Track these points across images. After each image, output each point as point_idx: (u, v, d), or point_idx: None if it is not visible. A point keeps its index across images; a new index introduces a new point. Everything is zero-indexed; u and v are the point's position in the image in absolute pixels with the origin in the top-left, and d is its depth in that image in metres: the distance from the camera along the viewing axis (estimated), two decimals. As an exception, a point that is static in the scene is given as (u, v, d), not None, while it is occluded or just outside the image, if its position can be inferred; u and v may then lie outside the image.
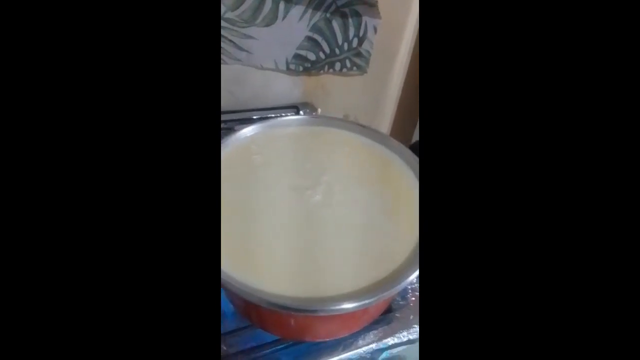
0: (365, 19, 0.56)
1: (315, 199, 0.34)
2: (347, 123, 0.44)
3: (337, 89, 0.64)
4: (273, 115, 0.60)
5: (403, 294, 0.40)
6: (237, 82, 0.59)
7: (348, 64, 0.61)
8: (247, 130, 0.41)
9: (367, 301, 0.26)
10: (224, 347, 0.34)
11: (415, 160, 0.38)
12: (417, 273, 0.28)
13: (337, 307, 0.25)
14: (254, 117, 0.59)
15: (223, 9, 0.50)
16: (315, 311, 0.25)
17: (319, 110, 0.64)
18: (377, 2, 0.54)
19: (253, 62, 0.57)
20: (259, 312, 0.30)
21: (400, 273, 0.28)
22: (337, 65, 0.61)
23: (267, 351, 0.35)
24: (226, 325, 0.36)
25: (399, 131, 0.74)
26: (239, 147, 0.39)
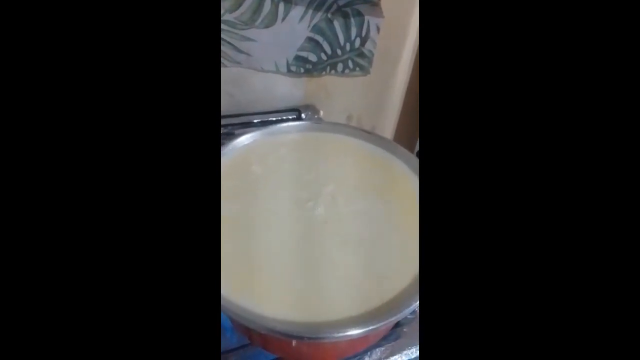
0: (367, 18, 0.54)
1: (318, 212, 0.33)
2: (350, 129, 0.43)
3: (340, 91, 0.63)
4: (274, 119, 0.58)
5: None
6: (237, 85, 0.57)
7: (350, 64, 0.59)
8: (246, 138, 0.40)
9: (373, 327, 0.24)
10: (224, 365, 0.33)
11: (422, 168, 0.37)
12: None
13: (342, 334, 0.24)
14: (255, 121, 0.58)
15: (222, 10, 0.48)
16: (318, 338, 0.24)
17: (321, 112, 0.62)
18: (379, 0, 0.52)
19: (253, 65, 0.55)
20: (259, 334, 0.29)
21: (408, 293, 0.27)
22: (340, 67, 0.59)
23: (269, 370, 0.33)
24: (226, 342, 0.35)
25: (403, 133, 0.72)
26: (238, 156, 0.38)
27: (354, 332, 0.24)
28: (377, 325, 0.24)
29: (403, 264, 0.29)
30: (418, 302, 0.26)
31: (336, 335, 0.24)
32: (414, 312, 0.38)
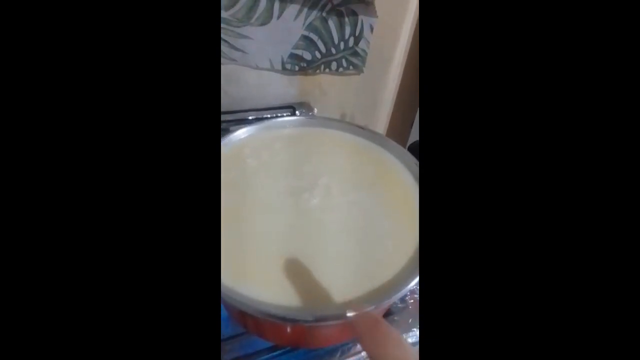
0: (361, 17, 0.55)
1: (313, 202, 0.33)
2: (344, 124, 0.43)
3: (334, 89, 0.64)
4: (269, 116, 0.59)
5: (402, 297, 0.40)
6: (232, 82, 0.58)
7: (344, 63, 0.60)
8: (241, 132, 0.41)
9: (366, 310, 0.25)
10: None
11: (413, 161, 0.38)
12: (417, 280, 0.27)
13: (336, 317, 0.24)
14: (250, 118, 0.58)
15: (217, 8, 0.49)
16: (312, 321, 0.25)
17: (316, 110, 0.63)
18: (373, 0, 0.53)
19: (248, 62, 0.56)
20: (255, 320, 0.30)
21: (400, 279, 0.28)
22: (334, 65, 0.60)
23: (264, 357, 0.34)
24: (222, 331, 0.35)
25: (395, 130, 0.73)
26: (233, 149, 0.39)
27: (347, 315, 0.25)
28: (369, 309, 0.25)
29: (395, 250, 0.30)
30: (409, 287, 0.27)
31: (329, 318, 0.25)
32: (404, 300, 0.39)
